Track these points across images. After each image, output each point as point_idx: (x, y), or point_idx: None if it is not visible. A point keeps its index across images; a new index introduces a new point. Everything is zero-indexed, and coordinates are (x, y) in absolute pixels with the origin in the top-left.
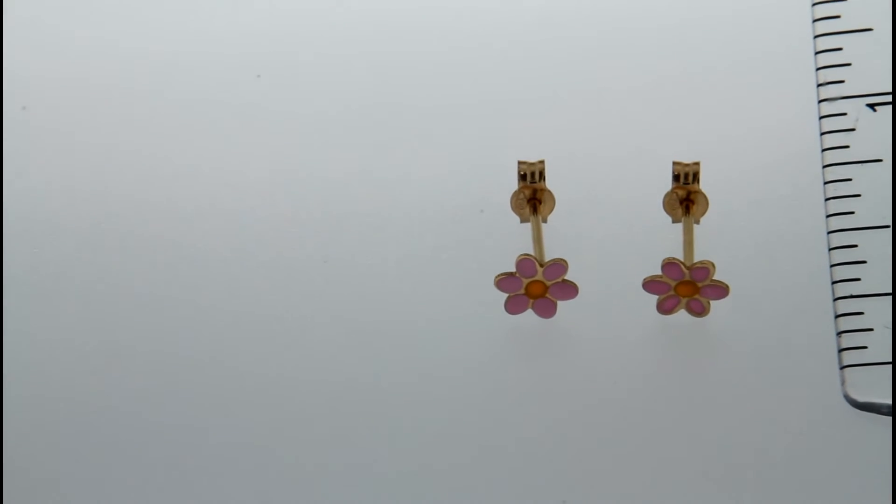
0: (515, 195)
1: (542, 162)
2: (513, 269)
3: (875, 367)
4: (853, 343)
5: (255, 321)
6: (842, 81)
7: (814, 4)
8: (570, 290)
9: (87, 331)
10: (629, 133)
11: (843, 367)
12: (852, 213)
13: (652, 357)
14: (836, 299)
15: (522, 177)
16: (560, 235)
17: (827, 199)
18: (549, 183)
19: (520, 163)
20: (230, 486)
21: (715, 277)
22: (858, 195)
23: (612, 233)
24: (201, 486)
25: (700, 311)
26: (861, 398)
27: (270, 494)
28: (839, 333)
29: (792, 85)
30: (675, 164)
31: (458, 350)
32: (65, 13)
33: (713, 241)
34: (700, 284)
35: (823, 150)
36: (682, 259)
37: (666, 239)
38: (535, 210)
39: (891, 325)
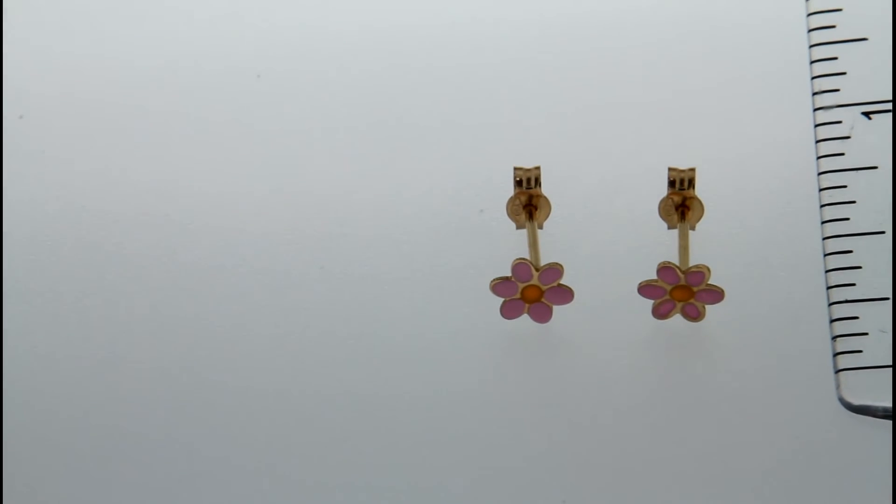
0: (511, 201)
1: (538, 168)
2: (508, 274)
3: (870, 370)
4: (848, 347)
5: (252, 330)
6: (837, 90)
7: (809, 14)
8: (565, 294)
9: (83, 343)
10: (625, 139)
11: (838, 371)
12: (847, 219)
13: (647, 361)
14: (831, 304)
15: (518, 183)
16: (556, 241)
17: (822, 206)
18: (545, 189)
19: (516, 169)
20: (226, 499)
21: (710, 282)
22: (853, 202)
23: (607, 238)
24: (197, 499)
25: (695, 315)
26: (856, 401)
27: None
28: (834, 337)
29: (788, 93)
30: (670, 169)
31: (454, 355)
32: (63, 21)
33: (709, 247)
34: (695, 289)
35: (819, 158)
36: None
37: (661, 245)
38: (530, 216)
39: (886, 330)
